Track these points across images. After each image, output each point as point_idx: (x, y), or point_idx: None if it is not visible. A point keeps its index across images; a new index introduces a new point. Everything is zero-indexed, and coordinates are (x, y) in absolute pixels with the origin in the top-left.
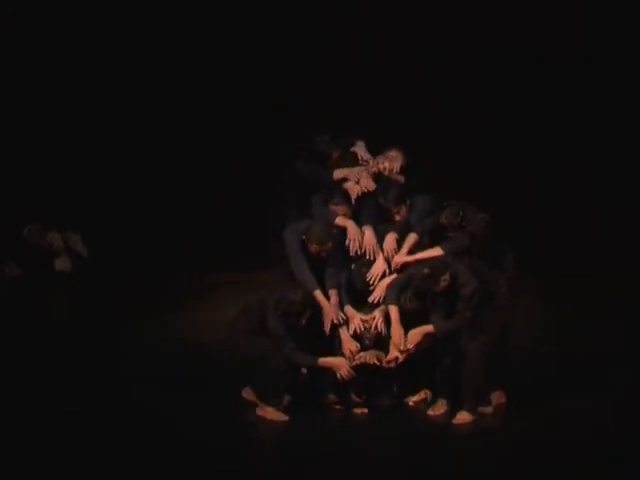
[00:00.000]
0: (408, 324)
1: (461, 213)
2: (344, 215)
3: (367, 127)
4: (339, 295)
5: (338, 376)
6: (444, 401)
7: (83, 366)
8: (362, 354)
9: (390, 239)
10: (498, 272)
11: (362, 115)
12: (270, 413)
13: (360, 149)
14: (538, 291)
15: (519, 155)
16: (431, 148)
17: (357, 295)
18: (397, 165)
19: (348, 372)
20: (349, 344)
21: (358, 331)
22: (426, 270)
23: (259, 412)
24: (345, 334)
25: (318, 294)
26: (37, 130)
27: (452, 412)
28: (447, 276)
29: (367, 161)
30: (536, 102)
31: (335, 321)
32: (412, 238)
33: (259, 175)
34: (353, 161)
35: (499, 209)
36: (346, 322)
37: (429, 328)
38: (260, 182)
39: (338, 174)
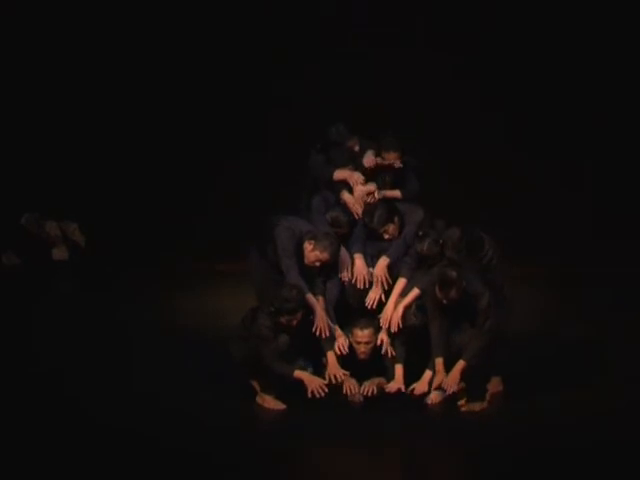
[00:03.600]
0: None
1: (441, 241)
2: (342, 234)
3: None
4: (328, 309)
5: (309, 392)
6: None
7: (80, 354)
8: (365, 385)
9: (381, 265)
10: (486, 277)
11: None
12: (268, 402)
13: (369, 160)
14: (533, 279)
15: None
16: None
17: (351, 308)
18: (399, 162)
19: (319, 391)
20: (335, 370)
21: (339, 352)
22: (453, 274)
23: (258, 400)
24: (331, 358)
25: (310, 297)
26: (35, 120)
27: (451, 400)
28: (464, 286)
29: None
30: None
31: (321, 333)
32: (402, 283)
33: (261, 163)
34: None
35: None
36: (331, 340)
37: (462, 365)
38: (261, 171)
39: (338, 175)
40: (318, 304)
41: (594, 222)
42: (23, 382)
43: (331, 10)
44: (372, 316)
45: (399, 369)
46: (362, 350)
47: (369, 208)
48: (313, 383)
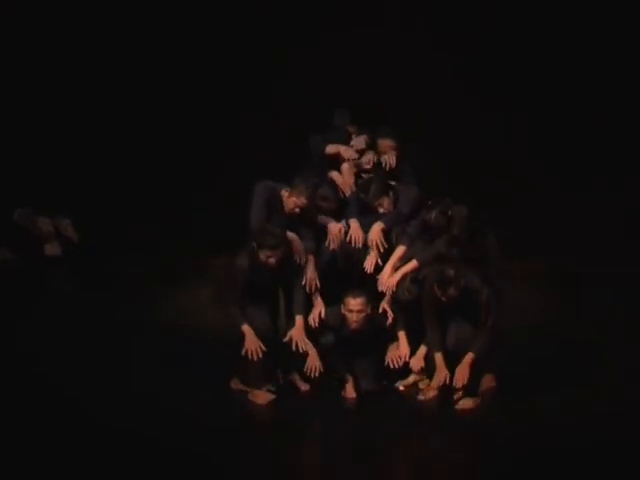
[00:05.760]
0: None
1: (449, 213)
2: (329, 208)
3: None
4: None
5: (243, 351)
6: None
7: (80, 354)
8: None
9: (375, 229)
10: (482, 271)
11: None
12: (258, 396)
13: (358, 142)
14: (531, 277)
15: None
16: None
17: (339, 276)
18: (394, 159)
19: (255, 354)
20: (300, 336)
21: (312, 323)
22: (452, 272)
23: (250, 397)
24: (300, 322)
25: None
26: (27, 117)
27: (443, 396)
28: (461, 285)
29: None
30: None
31: (310, 288)
32: (400, 251)
33: (262, 163)
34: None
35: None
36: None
37: (470, 357)
38: (262, 171)
39: (330, 149)
40: (310, 262)
41: (594, 222)
42: (23, 382)
43: (331, 10)
44: (361, 288)
45: (402, 336)
46: (354, 319)
47: (364, 182)
48: (252, 344)
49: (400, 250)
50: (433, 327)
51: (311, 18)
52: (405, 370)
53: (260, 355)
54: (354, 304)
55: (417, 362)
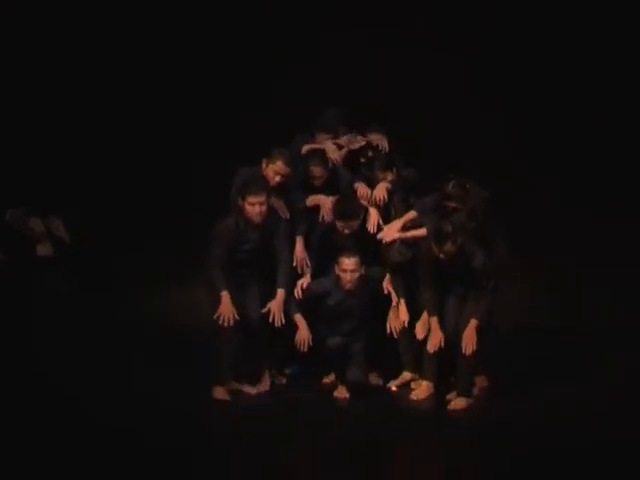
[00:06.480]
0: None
1: (468, 186)
2: (320, 176)
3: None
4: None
5: (216, 314)
6: (429, 384)
7: (80, 354)
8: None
9: (381, 186)
10: (488, 254)
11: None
12: (217, 391)
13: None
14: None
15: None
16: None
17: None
18: (386, 143)
19: (226, 319)
20: (278, 308)
21: (297, 292)
22: (449, 227)
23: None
24: (281, 295)
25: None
26: (19, 117)
27: (436, 395)
28: (459, 241)
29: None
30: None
31: (300, 263)
32: (411, 214)
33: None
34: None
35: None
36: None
37: (474, 323)
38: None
39: (305, 149)
40: (299, 242)
41: (594, 222)
42: (23, 382)
43: (331, 10)
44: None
45: (402, 304)
46: (348, 279)
47: (368, 158)
48: (226, 310)
49: (411, 214)
50: (429, 290)
51: (311, 18)
52: (397, 367)
53: (231, 323)
54: (348, 264)
55: (422, 328)
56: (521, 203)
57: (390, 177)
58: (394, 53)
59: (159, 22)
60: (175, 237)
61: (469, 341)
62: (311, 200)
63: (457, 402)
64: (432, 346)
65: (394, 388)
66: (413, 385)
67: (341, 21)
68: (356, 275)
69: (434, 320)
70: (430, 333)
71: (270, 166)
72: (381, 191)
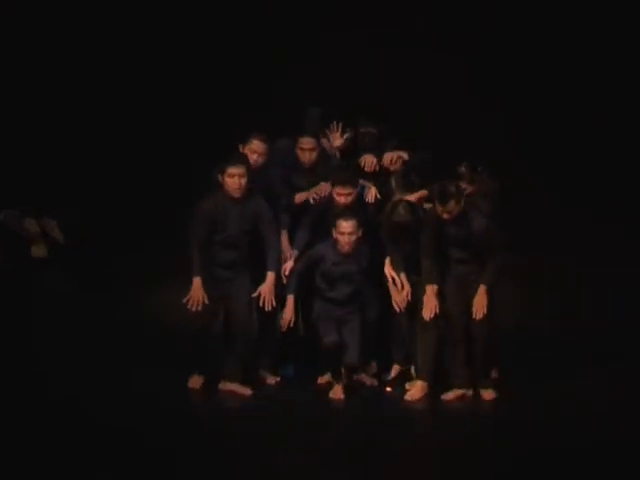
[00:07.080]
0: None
1: (480, 169)
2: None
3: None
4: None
5: (186, 298)
6: (424, 384)
7: (80, 354)
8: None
9: (389, 155)
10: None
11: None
12: (192, 380)
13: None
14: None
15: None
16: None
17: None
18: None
19: (195, 305)
20: (269, 292)
21: (283, 269)
22: (453, 187)
23: (221, 387)
24: (271, 278)
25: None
26: (15, 116)
27: (431, 395)
28: (462, 203)
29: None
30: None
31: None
32: (424, 192)
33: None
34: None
35: None
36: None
37: (483, 288)
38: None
39: (299, 197)
40: (283, 236)
41: (594, 222)
42: (23, 382)
43: (331, 10)
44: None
45: (403, 277)
46: (346, 241)
47: (374, 146)
48: (196, 295)
49: (421, 192)
50: (430, 257)
51: (311, 18)
52: (388, 360)
53: (199, 308)
54: (345, 226)
55: (430, 301)
56: (521, 203)
57: (399, 164)
58: (394, 53)
59: (159, 22)
60: (175, 237)
61: (479, 306)
62: (299, 197)
63: (488, 394)
64: (427, 313)
65: (389, 389)
66: (407, 386)
67: (341, 21)
68: (353, 238)
69: (430, 288)
70: (425, 300)
71: (247, 147)
72: (389, 158)
